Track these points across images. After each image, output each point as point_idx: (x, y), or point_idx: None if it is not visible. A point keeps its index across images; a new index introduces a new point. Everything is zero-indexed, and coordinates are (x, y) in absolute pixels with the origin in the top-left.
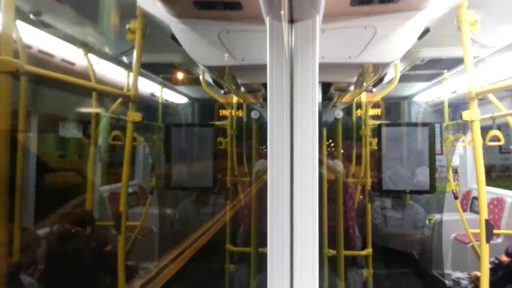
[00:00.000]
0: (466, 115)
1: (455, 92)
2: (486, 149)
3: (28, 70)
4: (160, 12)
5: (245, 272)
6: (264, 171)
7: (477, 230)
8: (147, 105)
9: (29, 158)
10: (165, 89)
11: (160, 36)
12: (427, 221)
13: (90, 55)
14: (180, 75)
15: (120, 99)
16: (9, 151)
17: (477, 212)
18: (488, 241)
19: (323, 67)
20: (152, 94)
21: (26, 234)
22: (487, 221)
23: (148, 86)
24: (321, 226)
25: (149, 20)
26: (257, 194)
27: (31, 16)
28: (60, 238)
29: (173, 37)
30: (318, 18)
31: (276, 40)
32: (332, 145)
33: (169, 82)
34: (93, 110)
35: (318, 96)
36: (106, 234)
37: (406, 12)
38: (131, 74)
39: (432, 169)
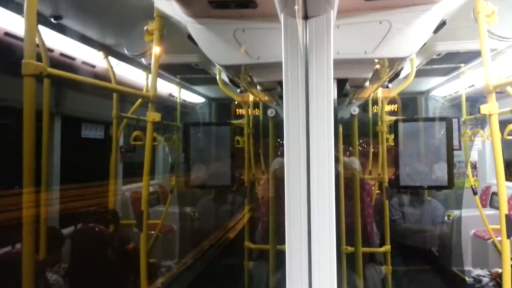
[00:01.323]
0: (484, 109)
1: (472, 85)
2: (505, 143)
3: (51, 72)
4: (177, 12)
5: (264, 269)
6: (281, 169)
7: (498, 226)
8: (165, 105)
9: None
10: (182, 89)
11: (177, 37)
12: (446, 217)
13: (110, 57)
14: (197, 75)
15: (139, 100)
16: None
17: (497, 208)
18: (509, 236)
19: (338, 63)
20: (170, 95)
21: (51, 233)
22: (507, 216)
23: (166, 87)
24: (339, 223)
25: (166, 21)
26: (275, 192)
27: (52, 20)
28: (84, 236)
29: (190, 37)
30: (333, 14)
31: (291, 37)
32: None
33: (186, 82)
34: (114, 111)
35: (333, 93)
36: (129, 232)
37: (421, 5)
38: (150, 75)
39: (450, 164)
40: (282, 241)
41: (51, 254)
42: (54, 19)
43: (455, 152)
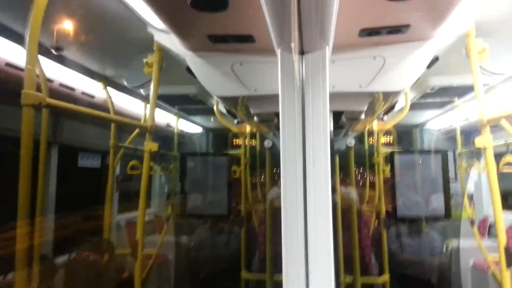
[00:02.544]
0: (479, 142)
1: (467, 119)
2: (501, 175)
3: (50, 103)
4: (176, 46)
5: None
6: (278, 199)
7: (497, 255)
8: (163, 135)
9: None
10: (180, 120)
11: (176, 69)
12: (444, 248)
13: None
14: (194, 106)
15: (137, 130)
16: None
17: (495, 238)
18: (508, 266)
19: (334, 96)
20: (168, 125)
21: (45, 262)
22: (506, 247)
23: (164, 117)
24: (337, 253)
25: (165, 54)
26: (271, 221)
27: (53, 51)
28: (78, 265)
29: (189, 70)
30: (328, 49)
31: (288, 71)
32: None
33: (184, 112)
34: (111, 141)
35: (329, 125)
36: (123, 261)
37: (415, 41)
38: (148, 106)
39: (447, 195)
40: (280, 271)
41: (44, 283)
42: (55, 51)
43: (451, 184)
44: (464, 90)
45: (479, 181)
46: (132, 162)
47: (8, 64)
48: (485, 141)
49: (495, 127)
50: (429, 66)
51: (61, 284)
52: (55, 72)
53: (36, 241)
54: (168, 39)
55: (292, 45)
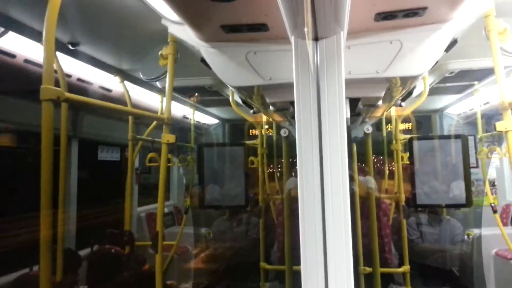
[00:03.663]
0: (500, 125)
1: (487, 103)
2: None
3: (68, 97)
4: (190, 37)
5: None
6: (296, 188)
7: None
8: (180, 127)
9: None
10: (196, 111)
11: (191, 60)
12: (465, 236)
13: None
14: (210, 97)
15: (154, 122)
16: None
17: None
18: None
19: (350, 82)
20: (184, 117)
21: (68, 254)
22: None
23: (180, 109)
24: (356, 243)
25: (179, 46)
26: (290, 211)
27: (70, 46)
28: (101, 258)
29: (203, 61)
30: (343, 35)
31: (302, 59)
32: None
33: (200, 104)
34: (129, 133)
35: (346, 112)
36: (144, 253)
37: (432, 24)
38: (164, 98)
39: (468, 182)
40: (298, 262)
41: (68, 276)
42: (72, 46)
43: (472, 170)
44: (484, 73)
45: (501, 166)
46: (150, 154)
47: (27, 61)
48: (507, 124)
49: None
50: (447, 49)
51: (84, 276)
52: (73, 67)
53: (59, 233)
54: (182, 31)
55: (306, 30)
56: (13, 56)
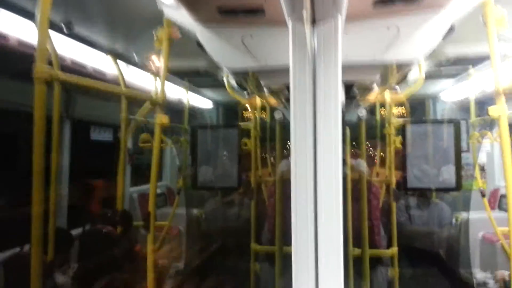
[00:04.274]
0: (493, 110)
1: (481, 88)
2: None
3: (61, 77)
4: (186, 19)
5: (271, 271)
6: (288, 171)
7: (506, 229)
8: (174, 109)
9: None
10: (190, 93)
11: (186, 42)
12: (453, 220)
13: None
14: (205, 79)
15: (147, 102)
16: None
17: (506, 210)
18: None
19: (346, 66)
20: (179, 100)
21: (60, 234)
22: None
23: (174, 91)
24: (346, 226)
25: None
26: (281, 193)
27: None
28: (93, 238)
29: (198, 43)
30: (340, 19)
31: (299, 42)
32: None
33: (194, 85)
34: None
35: (341, 97)
36: (136, 234)
37: (430, 10)
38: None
39: (458, 166)
40: (289, 243)
41: (60, 255)
42: (65, 26)
43: (463, 154)
44: (479, 59)
45: (492, 151)
46: (143, 135)
47: (20, 42)
48: (500, 110)
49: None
50: (444, 37)
51: (75, 256)
52: (66, 48)
53: (51, 213)
54: (177, 12)
55: (304, 14)
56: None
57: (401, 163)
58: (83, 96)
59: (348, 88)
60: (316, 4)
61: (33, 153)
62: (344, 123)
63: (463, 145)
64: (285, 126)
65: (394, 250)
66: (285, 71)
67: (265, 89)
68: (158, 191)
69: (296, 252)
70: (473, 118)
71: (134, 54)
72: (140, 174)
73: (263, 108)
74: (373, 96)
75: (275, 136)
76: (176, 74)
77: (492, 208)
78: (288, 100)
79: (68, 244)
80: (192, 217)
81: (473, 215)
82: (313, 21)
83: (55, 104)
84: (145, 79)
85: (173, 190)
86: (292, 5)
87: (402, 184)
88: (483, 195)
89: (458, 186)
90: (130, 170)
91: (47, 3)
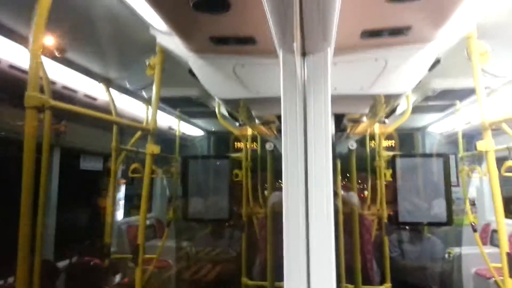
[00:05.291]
0: (481, 145)
1: (469, 122)
2: (504, 180)
3: (53, 105)
4: (178, 48)
5: None
6: (279, 203)
7: (499, 265)
8: (164, 138)
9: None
10: (182, 122)
11: (178, 71)
12: (446, 255)
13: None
14: (196, 108)
15: (139, 132)
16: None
17: (498, 246)
18: (511, 275)
19: (336, 98)
20: (170, 128)
21: (46, 266)
22: (508, 255)
23: (166, 120)
24: (338, 260)
25: (167, 56)
26: (272, 226)
27: (56, 54)
28: (79, 269)
29: (191, 72)
30: (330, 51)
31: (289, 73)
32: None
33: (186, 115)
34: (113, 143)
35: (331, 128)
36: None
37: (416, 43)
38: (150, 108)
39: (449, 200)
40: (280, 278)
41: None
42: (58, 53)
43: (453, 189)
44: (466, 93)
45: (481, 186)
46: (133, 165)
47: (12, 66)
48: (487, 144)
49: (497, 130)
50: (430, 69)
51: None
52: (58, 74)
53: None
54: (170, 41)
55: (294, 46)
56: None
57: (392, 197)
58: (74, 124)
59: (339, 120)
60: (306, 36)
61: (22, 181)
62: (335, 155)
63: (453, 179)
64: (277, 157)
65: (388, 286)
66: (276, 101)
67: (256, 119)
68: (147, 222)
69: (288, 287)
70: (461, 152)
71: (126, 82)
72: (130, 205)
73: (254, 139)
74: (363, 128)
75: (266, 167)
76: (168, 103)
77: (484, 243)
78: (279, 130)
79: (54, 276)
80: (181, 250)
81: (466, 250)
82: (303, 53)
83: (46, 131)
84: (137, 107)
85: (162, 222)
86: (283, 37)
87: (393, 218)
88: (474, 230)
89: (450, 221)
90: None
91: (41, 29)
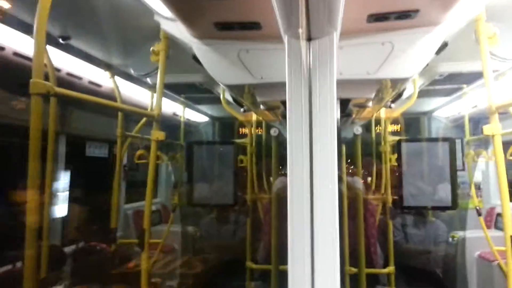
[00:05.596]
0: (487, 129)
1: (475, 106)
2: (510, 164)
3: (58, 92)
4: (182, 34)
5: None
6: (284, 188)
7: (503, 248)
8: (169, 124)
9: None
10: (186, 108)
11: (182, 57)
12: (450, 238)
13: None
14: (201, 94)
15: (144, 119)
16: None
17: (502, 229)
18: None
19: (341, 83)
20: (174, 114)
21: (53, 251)
22: None
23: (170, 106)
24: (342, 244)
25: (171, 42)
26: (277, 211)
27: (60, 40)
28: (86, 255)
29: (195, 58)
30: (336, 35)
31: (295, 58)
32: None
33: (190, 101)
34: (118, 129)
35: (336, 113)
36: (131, 251)
37: (423, 27)
38: (155, 95)
39: (454, 185)
40: (285, 261)
41: (53, 273)
42: (62, 40)
43: (458, 173)
44: (473, 77)
45: (487, 170)
46: (139, 151)
47: (16, 54)
48: (494, 128)
49: (505, 113)
50: (438, 52)
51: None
52: (62, 61)
53: (44, 230)
54: (174, 27)
55: (300, 31)
56: (1, 48)
57: (397, 181)
58: (79, 111)
59: (344, 105)
60: (311, 21)
61: (29, 169)
62: (340, 140)
63: (459, 163)
64: (281, 143)
65: (391, 269)
66: (281, 87)
67: (261, 105)
68: (153, 208)
69: (292, 271)
70: (468, 136)
71: (131, 69)
72: (135, 191)
73: (259, 124)
74: (369, 113)
75: (271, 152)
76: (173, 90)
77: (489, 227)
78: (284, 116)
79: (62, 261)
80: (187, 235)
81: (470, 234)
82: (309, 38)
83: (51, 118)
84: (142, 94)
85: (167, 208)
86: (288, 21)
87: (398, 202)
88: (479, 214)
89: (454, 205)
90: (125, 186)
91: (45, 16)
